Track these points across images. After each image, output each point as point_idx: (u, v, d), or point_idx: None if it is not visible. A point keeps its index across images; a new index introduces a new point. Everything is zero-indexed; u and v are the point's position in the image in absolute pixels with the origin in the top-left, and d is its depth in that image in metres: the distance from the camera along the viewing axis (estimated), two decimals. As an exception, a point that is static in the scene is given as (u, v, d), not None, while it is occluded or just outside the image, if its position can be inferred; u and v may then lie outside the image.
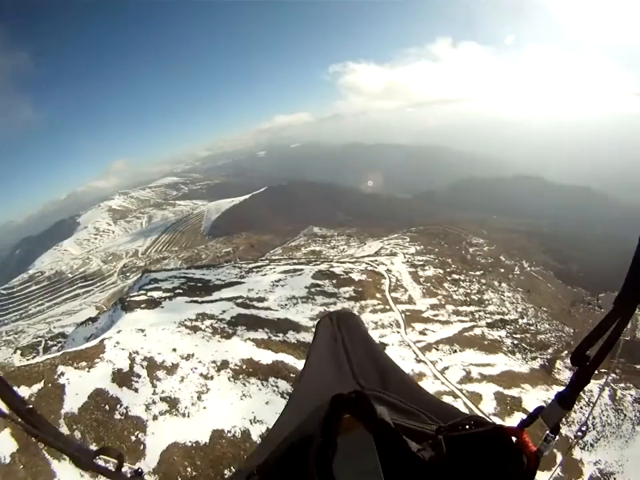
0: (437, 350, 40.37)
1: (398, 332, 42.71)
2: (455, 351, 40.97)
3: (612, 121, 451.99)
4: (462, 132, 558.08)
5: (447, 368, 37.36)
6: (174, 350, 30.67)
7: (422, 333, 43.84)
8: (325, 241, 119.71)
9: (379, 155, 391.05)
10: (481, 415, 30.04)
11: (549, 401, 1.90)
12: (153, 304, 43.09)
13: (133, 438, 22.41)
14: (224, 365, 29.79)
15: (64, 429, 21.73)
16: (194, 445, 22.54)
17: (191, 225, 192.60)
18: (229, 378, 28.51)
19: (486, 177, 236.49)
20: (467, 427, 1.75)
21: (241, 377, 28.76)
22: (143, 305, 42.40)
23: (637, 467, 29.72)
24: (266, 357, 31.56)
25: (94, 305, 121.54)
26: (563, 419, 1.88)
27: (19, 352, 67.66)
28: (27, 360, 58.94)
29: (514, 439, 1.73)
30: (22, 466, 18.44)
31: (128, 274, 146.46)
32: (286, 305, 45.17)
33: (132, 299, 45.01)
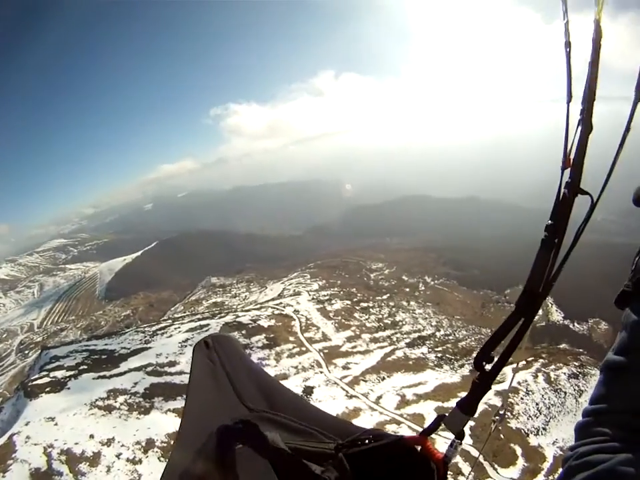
0: (365, 381, 40.00)
1: (321, 372, 41.99)
2: (384, 378, 40.82)
3: (489, 141, 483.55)
4: (343, 163, 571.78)
5: (380, 397, 37.04)
6: (91, 437, 28.02)
7: (345, 367, 43.31)
8: (226, 291, 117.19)
9: (266, 196, 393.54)
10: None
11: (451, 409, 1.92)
12: (58, 386, 39.53)
13: None
14: (150, 444, 27.42)
15: None
16: None
17: (85, 289, 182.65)
18: (159, 458, 26.21)
19: (374, 203, 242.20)
20: (367, 441, 1.75)
21: None
22: (47, 389, 38.80)
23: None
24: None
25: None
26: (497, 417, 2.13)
27: None
28: None
29: (418, 448, 1.75)
30: None
31: (26, 352, 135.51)
32: None
33: (34, 382, 41.12)
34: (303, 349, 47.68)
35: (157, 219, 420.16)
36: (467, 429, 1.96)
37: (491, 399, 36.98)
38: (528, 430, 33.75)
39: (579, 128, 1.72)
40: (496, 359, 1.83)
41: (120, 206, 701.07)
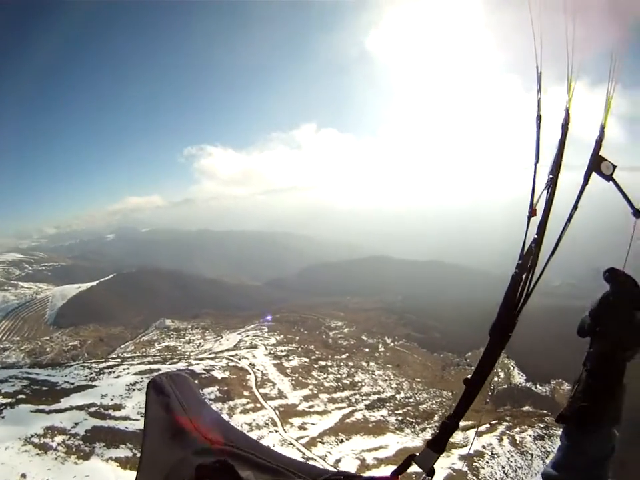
0: (323, 443, 38.65)
1: (276, 431, 40.51)
2: (342, 441, 39.68)
3: (459, 206, 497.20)
4: (310, 218, 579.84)
5: (339, 460, 36.03)
6: (23, 476, 25.60)
7: (301, 427, 41.91)
8: (179, 335, 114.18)
9: (229, 242, 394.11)
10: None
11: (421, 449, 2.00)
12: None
13: None
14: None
15: None
16: None
17: (35, 311, 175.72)
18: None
19: (336, 260, 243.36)
20: None
21: None
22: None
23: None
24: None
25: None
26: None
27: None
28: None
29: None
30: None
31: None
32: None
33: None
34: (258, 405, 45.95)
35: (118, 250, 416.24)
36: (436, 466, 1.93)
37: (455, 463, 35.95)
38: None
39: (544, 191, 2.06)
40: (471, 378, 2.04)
41: (82, 231, 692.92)
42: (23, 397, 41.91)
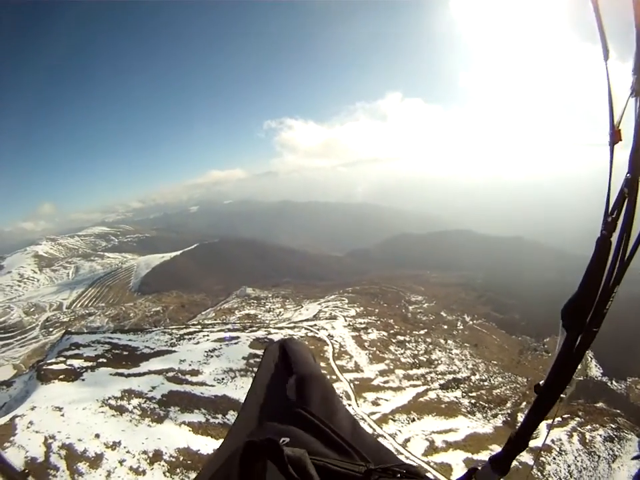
0: (394, 421, 37.65)
1: (349, 404, 39.60)
2: (413, 420, 38.52)
3: (543, 180, 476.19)
4: (392, 190, 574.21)
5: (408, 440, 34.97)
6: (97, 436, 26.13)
7: (375, 403, 40.95)
8: (260, 304, 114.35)
9: (311, 213, 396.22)
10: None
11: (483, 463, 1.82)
12: (72, 375, 38.08)
13: None
14: (157, 456, 25.32)
15: None
16: None
17: (120, 279, 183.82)
18: (164, 472, 24.10)
19: (417, 232, 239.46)
20: (399, 475, 1.72)
21: (178, 470, 24.37)
22: (61, 376, 37.44)
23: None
24: (205, 445, 27.39)
25: (12, 363, 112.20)
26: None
27: None
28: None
29: None
30: None
31: (51, 329, 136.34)
32: (223, 379, 40.96)
33: (49, 367, 39.69)
34: (334, 377, 45.05)
35: (200, 222, 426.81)
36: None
37: (522, 454, 34.22)
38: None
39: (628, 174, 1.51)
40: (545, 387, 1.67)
41: (166, 205, 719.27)
42: (104, 360, 43.17)
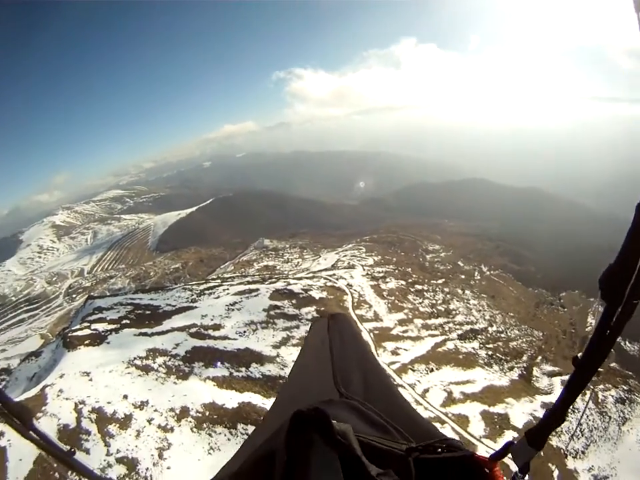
0: (413, 371, 38.10)
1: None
2: (432, 370, 38.94)
3: (564, 128, 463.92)
4: (408, 138, 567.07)
5: (427, 390, 35.43)
6: (125, 397, 26.85)
7: (394, 352, 41.27)
8: (278, 255, 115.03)
9: (326, 163, 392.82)
10: (471, 439, 29.38)
11: (519, 437, 1.76)
12: (97, 339, 38.77)
13: None
14: (184, 412, 26.02)
15: None
16: None
17: (138, 240, 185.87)
18: (191, 428, 24.78)
19: (433, 181, 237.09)
20: (439, 450, 1.73)
21: (205, 425, 25.03)
22: (86, 342, 38.02)
23: (629, 468, 29.89)
24: (230, 398, 27.94)
25: (39, 333, 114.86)
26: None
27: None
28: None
29: (486, 470, 1.67)
30: None
31: (74, 295, 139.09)
32: (245, 332, 41.25)
33: (74, 334, 40.34)
34: None
35: (215, 177, 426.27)
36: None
37: (536, 410, 34.56)
38: (567, 451, 31.66)
39: None
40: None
41: (178, 162, 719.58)
42: (127, 322, 43.88)
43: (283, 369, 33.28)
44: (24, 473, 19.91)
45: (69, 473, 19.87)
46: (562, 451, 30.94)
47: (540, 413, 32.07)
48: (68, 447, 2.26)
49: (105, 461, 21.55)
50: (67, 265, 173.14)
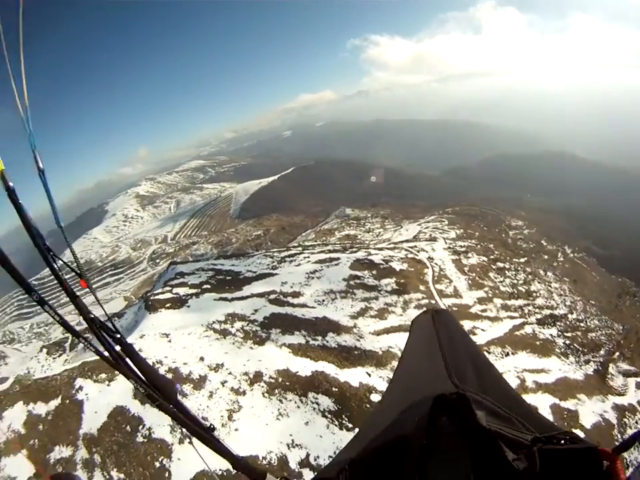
0: (489, 353, 37.19)
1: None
2: (507, 354, 37.93)
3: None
4: (491, 106, 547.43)
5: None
6: (201, 359, 27.88)
7: (471, 332, 40.27)
8: (359, 224, 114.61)
9: (405, 131, 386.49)
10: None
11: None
12: (178, 302, 40.27)
13: (157, 464, 20.05)
14: (257, 377, 26.69)
15: (82, 452, 20.24)
16: (224, 474, 19.59)
17: (220, 208, 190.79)
18: (263, 393, 25.45)
19: (517, 152, 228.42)
20: (562, 441, 1.68)
21: (276, 392, 25.61)
22: (167, 305, 39.60)
23: None
24: (304, 366, 28.26)
25: (123, 295, 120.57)
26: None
27: (45, 350, 65.82)
28: (53, 358, 57.47)
29: (606, 463, 1.61)
30: None
31: (157, 260, 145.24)
32: (323, 300, 41.45)
33: (156, 297, 42.11)
34: (432, 301, 44.31)
35: (295, 146, 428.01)
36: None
37: (607, 411, 32.69)
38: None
39: None
40: None
41: (259, 132, 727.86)
42: (208, 287, 45.04)
43: (359, 340, 33.38)
44: (97, 424, 21.41)
45: (140, 427, 21.60)
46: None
47: (611, 415, 30.86)
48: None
49: None
50: (150, 232, 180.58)
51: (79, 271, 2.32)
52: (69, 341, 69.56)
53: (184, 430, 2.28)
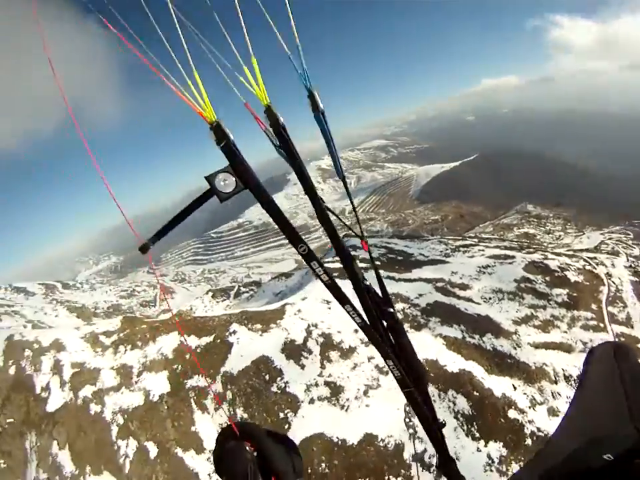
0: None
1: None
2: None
3: None
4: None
5: None
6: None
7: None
8: (540, 223, 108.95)
9: (596, 124, 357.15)
10: None
11: None
12: (344, 274, 40.68)
13: (281, 415, 21.36)
14: (404, 361, 26.49)
15: (217, 386, 22.43)
16: (339, 442, 20.25)
17: (400, 188, 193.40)
18: (410, 379, 25.25)
19: None
20: None
21: None
22: (335, 274, 39.93)
23: None
24: (453, 362, 27.15)
25: (295, 258, 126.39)
26: None
27: (210, 294, 71.23)
28: (216, 302, 61.40)
29: None
30: (167, 407, 20.56)
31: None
32: (490, 298, 39.33)
33: (325, 265, 42.96)
34: (601, 325, 38.80)
35: (478, 132, 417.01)
36: None
37: None
38: None
39: None
40: None
41: (441, 115, 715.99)
42: (378, 263, 44.99)
43: (515, 348, 31.45)
44: (239, 367, 23.07)
45: (278, 379, 22.96)
46: None
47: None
48: (441, 419, 2.33)
49: (314, 379, 23.34)
50: (329, 203, 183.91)
51: (361, 235, 2.29)
52: (235, 289, 74.68)
53: (414, 419, 2.28)
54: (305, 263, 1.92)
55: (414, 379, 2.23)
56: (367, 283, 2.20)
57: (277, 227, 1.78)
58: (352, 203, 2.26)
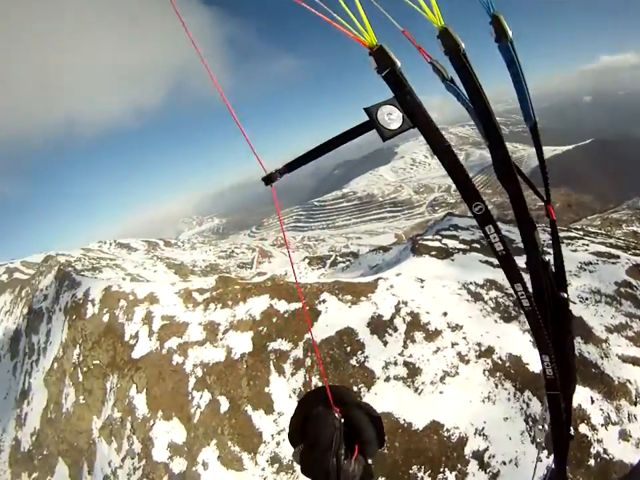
0: None
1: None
2: None
3: None
4: None
5: None
6: (444, 314, 27.32)
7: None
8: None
9: None
10: None
11: None
12: (444, 253, 39.62)
13: (355, 389, 21.22)
14: (488, 352, 25.47)
15: (298, 351, 22.70)
16: (405, 425, 19.44)
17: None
18: (484, 370, 24.30)
19: None
20: None
21: (497, 374, 24.23)
22: (433, 253, 39.12)
23: None
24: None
25: (395, 232, 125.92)
26: None
27: (307, 260, 72.22)
28: (312, 269, 62.27)
29: None
30: (246, 366, 21.42)
31: (436, 208, 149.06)
32: (586, 299, 37.25)
33: (425, 242, 42.06)
34: None
35: (594, 114, 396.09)
36: None
37: None
38: None
39: None
40: None
41: (555, 93, 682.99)
42: (477, 246, 43.84)
43: (603, 358, 29.90)
44: (323, 335, 23.32)
45: (359, 352, 22.54)
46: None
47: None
48: (572, 431, 2.20)
49: (394, 357, 22.65)
50: (435, 179, 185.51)
51: (546, 199, 1.83)
52: (331, 258, 75.42)
53: (545, 425, 2.18)
54: (477, 224, 1.48)
55: (564, 381, 1.96)
56: (547, 259, 1.82)
57: (450, 179, 1.41)
58: (541, 156, 1.75)
